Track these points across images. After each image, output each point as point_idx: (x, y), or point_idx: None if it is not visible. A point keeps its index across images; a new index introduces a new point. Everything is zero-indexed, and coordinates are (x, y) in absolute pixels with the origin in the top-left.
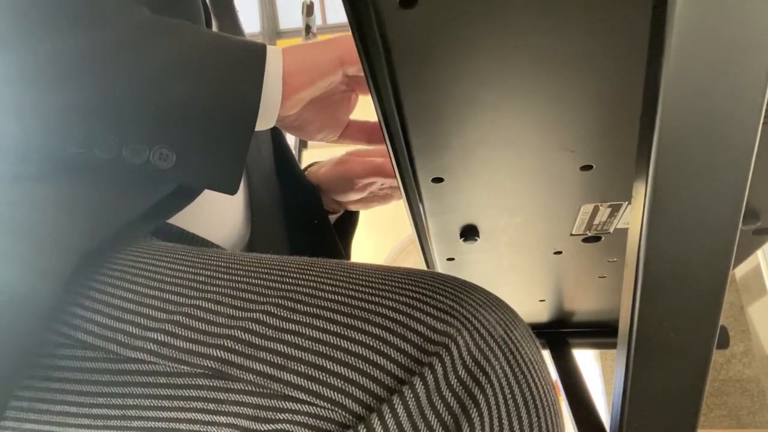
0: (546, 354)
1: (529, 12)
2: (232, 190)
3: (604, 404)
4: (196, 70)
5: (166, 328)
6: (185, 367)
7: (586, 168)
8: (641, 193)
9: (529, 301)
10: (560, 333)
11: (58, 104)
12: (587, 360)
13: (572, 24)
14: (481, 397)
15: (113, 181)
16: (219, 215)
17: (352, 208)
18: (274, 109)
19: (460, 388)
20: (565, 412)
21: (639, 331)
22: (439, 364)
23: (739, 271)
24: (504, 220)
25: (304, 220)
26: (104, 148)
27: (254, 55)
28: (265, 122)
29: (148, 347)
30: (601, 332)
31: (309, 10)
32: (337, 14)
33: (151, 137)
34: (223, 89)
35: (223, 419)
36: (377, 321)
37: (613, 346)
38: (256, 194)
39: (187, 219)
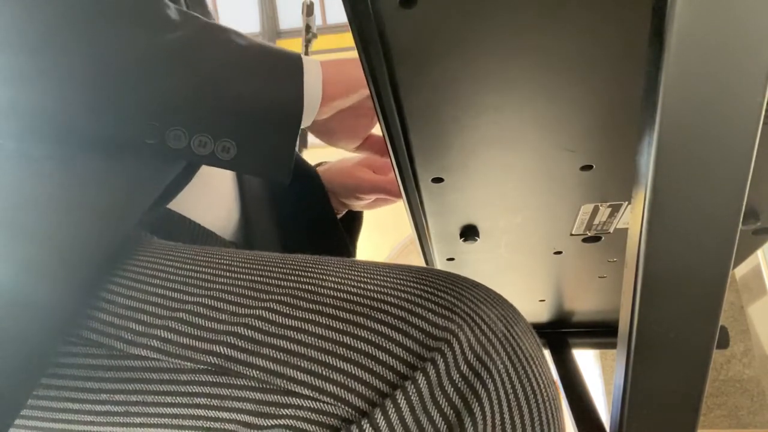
0: (546, 354)
1: (528, 12)
2: (286, 179)
3: (604, 404)
4: (252, 70)
5: (170, 325)
6: (189, 364)
7: (586, 168)
8: (641, 193)
9: (529, 301)
10: (560, 333)
11: (141, 99)
12: (587, 360)
13: (572, 24)
14: (482, 391)
15: (141, 176)
16: (211, 206)
17: (356, 209)
18: (314, 108)
19: (462, 383)
20: (565, 412)
21: (639, 331)
22: (441, 360)
23: (739, 271)
24: (504, 220)
25: (313, 217)
26: (176, 140)
27: (292, 58)
28: (305, 120)
29: (152, 344)
30: (601, 332)
31: (309, 10)
32: (337, 14)
33: (216, 130)
34: (273, 88)
35: (226, 415)
36: (379, 317)
37: (613, 346)
38: (248, 188)
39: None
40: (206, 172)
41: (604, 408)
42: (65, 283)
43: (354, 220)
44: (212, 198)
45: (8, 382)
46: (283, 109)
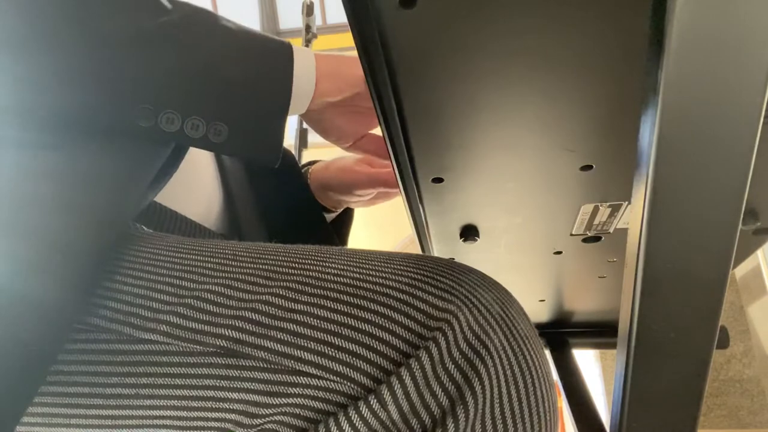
0: (546, 354)
1: (528, 12)
2: (275, 161)
3: (604, 404)
4: (243, 53)
5: (178, 310)
6: (197, 347)
7: (586, 168)
8: (641, 193)
9: (529, 301)
10: (560, 333)
11: (135, 82)
12: (587, 360)
13: (572, 24)
14: (481, 367)
15: (135, 166)
16: (195, 200)
17: (355, 206)
18: (305, 96)
19: (462, 360)
20: (565, 412)
21: (639, 331)
22: (443, 338)
23: (739, 271)
24: (504, 220)
25: (296, 211)
26: (169, 123)
27: (283, 43)
28: (296, 108)
29: (161, 329)
30: (601, 332)
31: (309, 10)
32: (337, 14)
33: (209, 113)
34: (263, 70)
35: (235, 395)
36: (382, 300)
37: (613, 346)
38: (232, 181)
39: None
40: (188, 167)
41: (604, 408)
42: (66, 281)
43: (346, 216)
44: (195, 192)
45: (9, 383)
46: (272, 92)
